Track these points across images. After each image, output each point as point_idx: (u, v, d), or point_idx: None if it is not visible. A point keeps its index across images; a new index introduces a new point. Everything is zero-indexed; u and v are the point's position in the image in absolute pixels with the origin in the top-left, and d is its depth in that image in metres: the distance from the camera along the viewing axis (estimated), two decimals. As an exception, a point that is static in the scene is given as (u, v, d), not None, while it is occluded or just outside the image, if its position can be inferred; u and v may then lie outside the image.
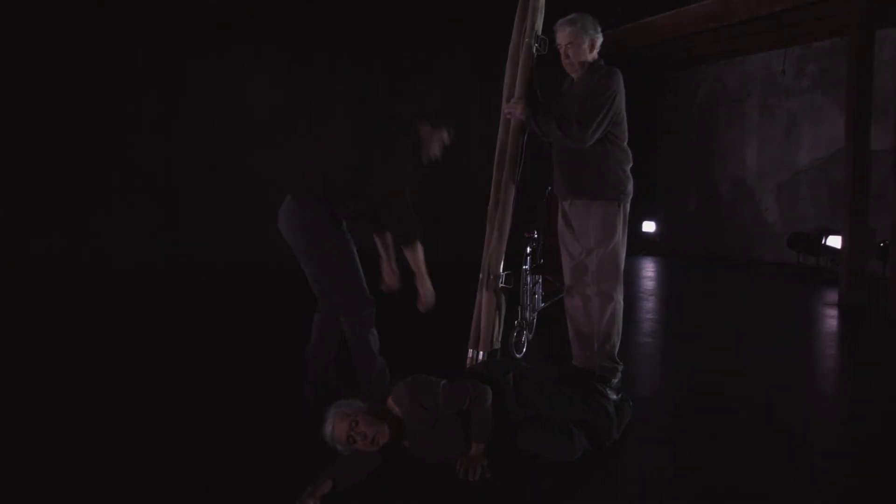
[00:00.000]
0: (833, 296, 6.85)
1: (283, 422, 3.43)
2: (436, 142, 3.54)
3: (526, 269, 4.75)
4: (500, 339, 3.87)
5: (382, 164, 3.29)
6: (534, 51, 3.76)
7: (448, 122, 3.56)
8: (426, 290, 3.49)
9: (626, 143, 3.88)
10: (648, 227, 10.88)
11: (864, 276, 6.63)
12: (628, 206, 3.91)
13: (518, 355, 4.51)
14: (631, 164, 3.90)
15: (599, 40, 3.83)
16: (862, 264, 6.63)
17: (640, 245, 10.46)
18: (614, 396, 3.29)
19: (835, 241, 7.94)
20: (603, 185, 3.82)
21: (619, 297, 3.91)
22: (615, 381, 3.88)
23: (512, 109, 3.77)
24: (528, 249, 4.81)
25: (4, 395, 3.96)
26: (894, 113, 6.61)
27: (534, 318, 4.90)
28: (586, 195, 3.87)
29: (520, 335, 4.58)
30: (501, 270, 3.78)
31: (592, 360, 3.97)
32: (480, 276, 3.79)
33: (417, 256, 3.41)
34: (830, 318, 6.16)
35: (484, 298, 3.78)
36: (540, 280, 4.89)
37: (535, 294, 4.88)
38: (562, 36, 3.80)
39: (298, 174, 3.48)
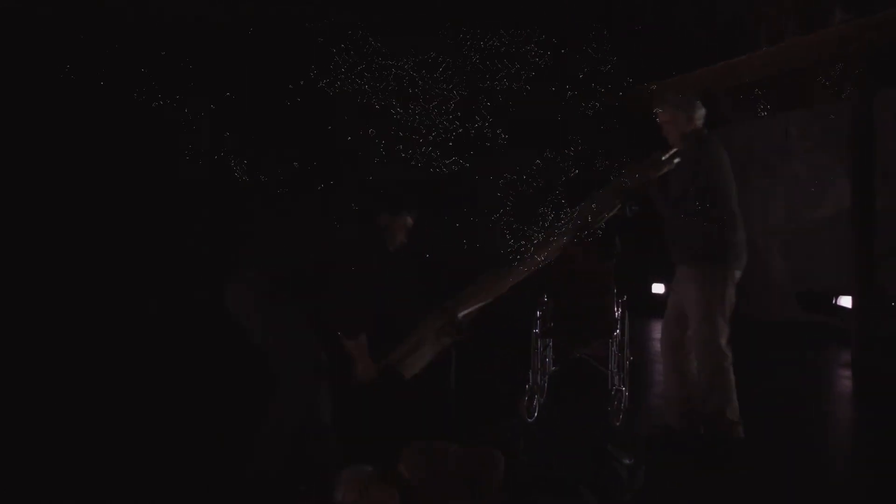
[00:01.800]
0: (846, 356, 6.79)
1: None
2: (398, 230, 3.50)
3: (536, 333, 4.76)
4: (404, 365, 3.73)
5: (333, 256, 3.22)
6: None
7: (410, 208, 3.52)
8: (363, 371, 3.35)
9: (726, 208, 4.15)
10: (658, 288, 10.86)
11: (876, 337, 6.59)
12: (720, 270, 4.16)
13: (530, 420, 4.48)
14: (726, 228, 4.19)
15: (690, 113, 4.19)
16: (873, 324, 6.60)
17: (651, 306, 10.41)
18: (627, 461, 3.26)
19: (846, 301, 7.90)
20: (679, 250, 4.13)
21: (720, 360, 4.04)
22: (735, 436, 3.92)
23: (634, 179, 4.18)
24: (539, 313, 4.82)
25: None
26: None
27: (545, 382, 4.89)
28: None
29: (531, 399, 4.57)
30: (460, 316, 3.81)
31: (674, 422, 4.18)
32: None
33: (356, 346, 3.30)
34: (844, 379, 6.10)
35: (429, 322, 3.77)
36: (550, 344, 4.89)
37: (545, 358, 4.88)
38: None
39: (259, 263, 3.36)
